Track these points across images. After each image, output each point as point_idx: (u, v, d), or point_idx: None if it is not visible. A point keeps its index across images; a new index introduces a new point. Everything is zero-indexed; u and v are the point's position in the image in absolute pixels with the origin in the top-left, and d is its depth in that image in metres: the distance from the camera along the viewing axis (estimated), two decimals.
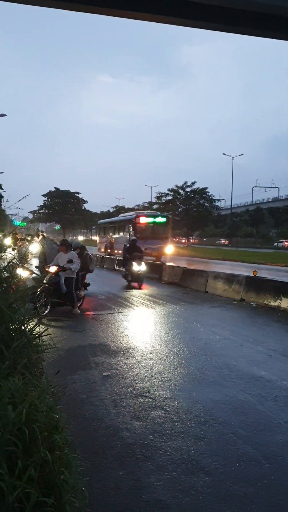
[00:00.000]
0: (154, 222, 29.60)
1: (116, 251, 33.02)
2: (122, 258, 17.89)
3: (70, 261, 10.10)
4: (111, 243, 36.03)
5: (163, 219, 30.34)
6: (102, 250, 38.93)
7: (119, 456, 3.65)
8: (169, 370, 5.96)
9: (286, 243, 66.63)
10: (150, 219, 29.68)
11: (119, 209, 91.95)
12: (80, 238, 72.36)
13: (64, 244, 10.75)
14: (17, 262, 4.77)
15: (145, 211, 40.93)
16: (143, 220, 29.26)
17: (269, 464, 3.56)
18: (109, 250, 35.84)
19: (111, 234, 36.97)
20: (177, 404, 4.78)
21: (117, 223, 36.09)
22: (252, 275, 12.81)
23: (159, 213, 36.68)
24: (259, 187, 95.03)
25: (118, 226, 35.41)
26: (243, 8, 11.49)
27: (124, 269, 16.76)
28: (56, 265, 10.12)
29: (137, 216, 29.50)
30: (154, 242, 28.21)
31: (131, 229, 29.30)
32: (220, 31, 13.21)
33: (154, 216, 30.57)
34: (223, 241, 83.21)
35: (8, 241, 4.87)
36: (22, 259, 5.18)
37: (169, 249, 29.42)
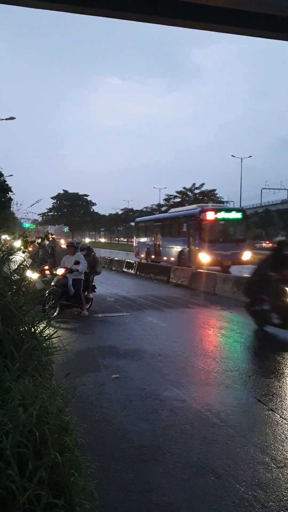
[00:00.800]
0: (226, 219, 21.26)
1: (165, 258, 25.08)
2: (252, 278, 9.23)
3: (77, 263, 10.13)
4: (156, 247, 27.09)
5: (238, 214, 21.79)
6: (143, 256, 29.31)
7: (129, 458, 3.66)
8: (178, 373, 5.95)
9: (264, 244, 65.78)
10: (222, 215, 21.11)
11: (128, 211, 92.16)
12: (87, 240, 71.97)
13: (71, 245, 10.76)
14: (27, 265, 4.79)
15: (209, 204, 32.19)
16: (211, 215, 20.69)
17: (279, 467, 3.55)
18: (153, 257, 27.39)
19: (157, 235, 27.26)
20: (186, 407, 4.77)
21: (169, 221, 26.17)
22: None
23: (226, 206, 26.28)
24: (268, 189, 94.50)
25: (170, 224, 25.70)
26: (247, 10, 11.48)
27: (248, 298, 9.07)
28: (63, 267, 10.16)
29: (203, 211, 20.97)
30: (227, 246, 20.49)
31: (192, 229, 21.38)
32: (222, 32, 13.23)
33: (226, 211, 22.09)
34: None
35: (18, 243, 4.90)
36: (33, 261, 5.20)
37: (247, 255, 21.06)
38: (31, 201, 5.72)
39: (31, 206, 5.68)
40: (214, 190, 67.94)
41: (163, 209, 76.63)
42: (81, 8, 10.95)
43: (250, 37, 14.30)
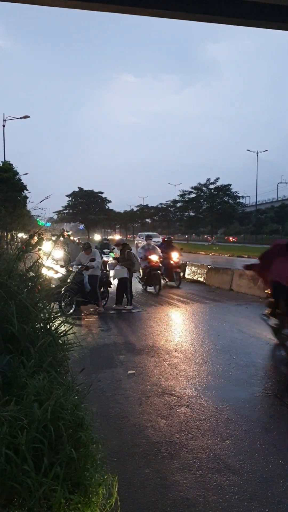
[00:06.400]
0: None
1: None
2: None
3: (93, 260, 10.14)
4: None
5: None
6: None
7: (145, 454, 3.65)
8: (194, 368, 5.93)
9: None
10: None
11: (143, 208, 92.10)
12: (97, 237, 69.84)
13: (87, 248, 10.60)
14: (42, 262, 4.81)
15: None
16: None
17: None
18: None
19: None
20: (202, 402, 4.75)
21: None
22: None
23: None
24: (284, 183, 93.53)
25: None
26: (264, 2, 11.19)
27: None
28: (79, 264, 10.19)
29: None
30: None
31: None
32: (237, 26, 12.95)
33: None
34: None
35: (34, 241, 4.91)
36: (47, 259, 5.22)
37: None
38: (46, 199, 5.76)
39: (40, 202, 5.70)
40: (229, 185, 67.47)
41: (178, 205, 76.50)
42: (87, 4, 10.72)
43: (265, 29, 14.05)
